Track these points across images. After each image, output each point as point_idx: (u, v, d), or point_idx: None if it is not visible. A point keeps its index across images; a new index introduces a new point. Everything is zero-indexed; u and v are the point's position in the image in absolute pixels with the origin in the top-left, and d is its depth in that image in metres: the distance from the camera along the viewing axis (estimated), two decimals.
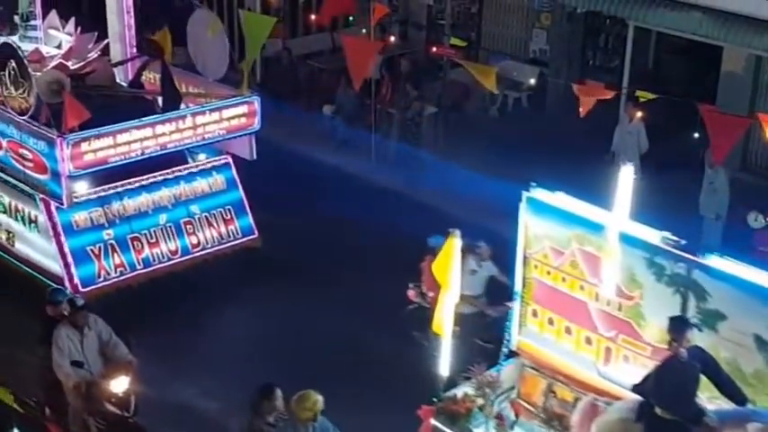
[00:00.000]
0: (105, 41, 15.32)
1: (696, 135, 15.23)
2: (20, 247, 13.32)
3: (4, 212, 13.41)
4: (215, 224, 13.91)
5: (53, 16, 15.56)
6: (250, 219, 14.15)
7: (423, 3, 20.29)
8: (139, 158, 12.80)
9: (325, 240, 14.57)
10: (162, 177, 13.55)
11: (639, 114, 15.32)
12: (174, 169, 13.64)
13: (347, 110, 18.21)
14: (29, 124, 12.45)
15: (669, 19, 15.99)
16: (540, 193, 9.00)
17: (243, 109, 13.58)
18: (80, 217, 12.88)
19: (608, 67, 19.26)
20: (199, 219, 13.80)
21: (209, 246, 13.81)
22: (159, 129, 12.86)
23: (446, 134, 18.05)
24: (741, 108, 15.51)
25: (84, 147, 12.26)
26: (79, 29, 15.40)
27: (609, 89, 12.80)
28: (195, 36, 14.20)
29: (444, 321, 8.69)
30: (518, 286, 9.38)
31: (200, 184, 13.90)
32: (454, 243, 8.56)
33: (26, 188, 12.87)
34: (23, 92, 12.30)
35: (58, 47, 15.51)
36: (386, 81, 18.27)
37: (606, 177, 8.94)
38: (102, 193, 13.07)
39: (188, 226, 13.69)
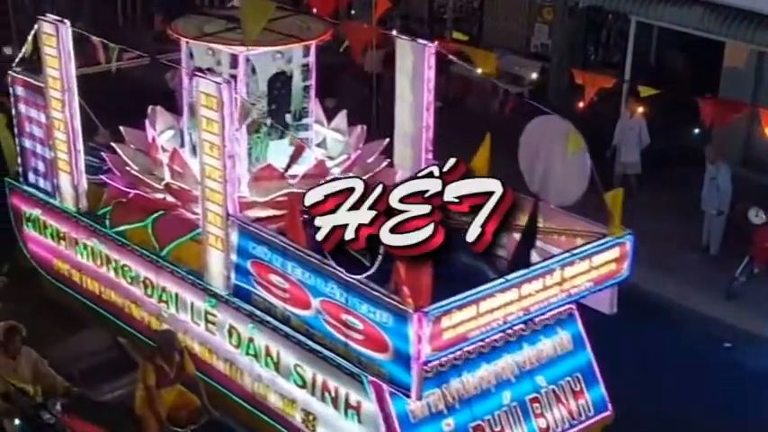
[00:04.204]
0: (385, 141, 12.14)
1: (697, 130, 15.43)
2: None
3: (303, 387, 10.12)
4: (563, 399, 10.59)
5: (316, 107, 12.38)
6: (602, 388, 10.82)
7: None
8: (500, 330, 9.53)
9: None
10: (503, 340, 10.24)
11: (641, 109, 15.51)
12: (516, 329, 10.32)
13: (350, 102, 15.92)
14: (365, 287, 9.14)
15: (671, 14, 16.10)
16: None
17: (614, 253, 10.26)
18: (416, 405, 9.59)
19: (610, 62, 19.28)
20: (546, 393, 10.49)
21: (560, 430, 10.49)
22: (526, 289, 9.55)
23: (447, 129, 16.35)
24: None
25: (445, 322, 8.97)
26: (359, 128, 12.25)
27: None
28: (536, 148, 10.85)
29: None
30: None
31: (545, 346, 10.59)
32: None
33: (346, 364, 9.58)
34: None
35: (320, 145, 12.36)
36: (388, 75, 16.29)
37: None
38: (440, 369, 9.77)
39: (534, 404, 10.37)
